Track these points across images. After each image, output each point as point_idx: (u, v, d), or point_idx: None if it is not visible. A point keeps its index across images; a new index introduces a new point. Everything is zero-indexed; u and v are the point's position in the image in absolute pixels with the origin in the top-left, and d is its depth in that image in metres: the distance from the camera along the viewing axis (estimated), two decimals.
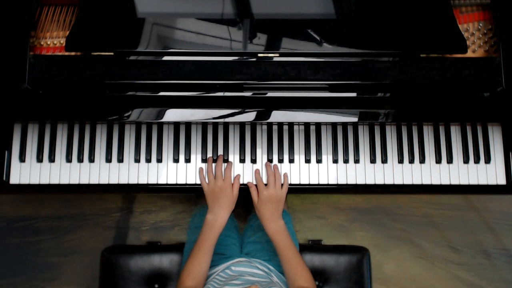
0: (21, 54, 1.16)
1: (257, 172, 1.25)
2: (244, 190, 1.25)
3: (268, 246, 1.32)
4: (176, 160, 1.27)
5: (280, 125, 1.29)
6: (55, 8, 1.25)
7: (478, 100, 1.21)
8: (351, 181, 1.27)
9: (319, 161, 1.27)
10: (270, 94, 1.19)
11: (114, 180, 1.25)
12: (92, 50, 1.16)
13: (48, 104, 1.19)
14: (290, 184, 1.26)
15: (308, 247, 1.47)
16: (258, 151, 1.28)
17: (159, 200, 2.06)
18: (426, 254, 2.02)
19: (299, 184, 1.27)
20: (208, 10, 1.18)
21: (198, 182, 1.26)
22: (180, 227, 2.02)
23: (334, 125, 1.29)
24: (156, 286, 1.41)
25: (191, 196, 2.05)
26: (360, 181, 1.27)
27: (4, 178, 1.24)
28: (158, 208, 2.05)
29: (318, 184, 1.27)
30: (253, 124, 1.29)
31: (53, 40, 1.22)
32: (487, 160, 1.27)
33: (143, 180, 1.26)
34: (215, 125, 1.29)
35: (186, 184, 1.26)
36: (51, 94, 1.19)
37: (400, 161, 1.28)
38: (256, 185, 1.24)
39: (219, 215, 1.20)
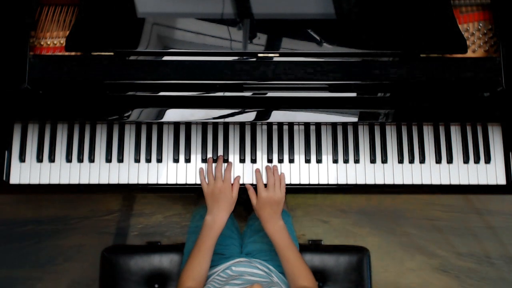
0: (21, 54, 1.16)
1: (257, 171, 1.25)
2: (244, 190, 1.25)
3: (268, 246, 1.32)
4: (176, 160, 1.27)
5: (280, 125, 1.29)
6: (55, 8, 1.25)
7: (478, 100, 1.21)
8: (351, 181, 1.27)
9: (319, 161, 1.27)
10: (270, 94, 1.19)
11: (114, 180, 1.25)
12: (92, 50, 1.16)
13: (48, 104, 1.19)
14: (291, 184, 1.26)
15: (308, 247, 1.47)
16: (258, 151, 1.28)
17: (159, 200, 2.06)
18: (430, 259, 2.01)
19: (299, 184, 1.27)
20: (208, 10, 1.18)
21: (198, 182, 1.26)
22: (180, 227, 2.02)
23: (334, 125, 1.29)
24: (156, 286, 1.41)
25: (191, 196, 2.05)
26: (360, 181, 1.27)
27: (4, 178, 1.24)
28: (158, 208, 2.05)
29: (318, 184, 1.27)
30: (253, 124, 1.29)
31: (53, 40, 1.22)
32: (487, 160, 1.27)
33: (143, 180, 1.26)
34: (215, 125, 1.29)
35: (186, 184, 1.26)
36: (51, 94, 1.19)
37: (400, 161, 1.28)
38: (254, 187, 1.24)
39: (218, 216, 1.20)
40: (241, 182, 1.26)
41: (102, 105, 1.20)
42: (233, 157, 1.27)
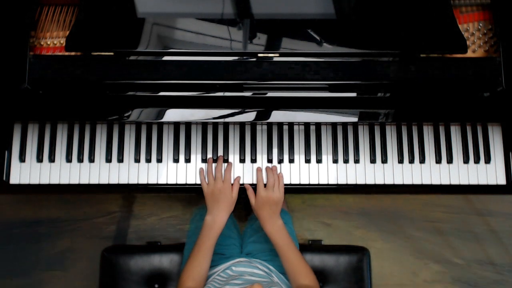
0: (21, 54, 1.16)
1: (259, 170, 1.25)
2: (244, 190, 1.25)
3: (269, 246, 1.32)
4: (176, 160, 1.27)
5: (280, 125, 1.29)
6: (55, 8, 1.25)
7: (478, 100, 1.21)
8: (351, 181, 1.27)
9: (319, 161, 1.27)
10: (270, 94, 1.19)
11: (114, 180, 1.25)
12: (92, 50, 1.16)
13: (48, 104, 1.19)
14: (291, 184, 1.26)
15: (308, 247, 1.47)
16: (258, 151, 1.28)
17: (159, 200, 2.06)
18: (428, 258, 2.01)
19: (299, 184, 1.27)
20: (208, 10, 1.18)
21: (198, 182, 1.26)
22: (180, 227, 2.02)
23: (334, 125, 1.29)
24: (156, 286, 1.41)
25: (191, 196, 2.05)
26: (360, 181, 1.27)
27: (4, 178, 1.24)
28: (158, 208, 2.05)
29: (318, 184, 1.27)
30: (253, 124, 1.29)
31: (53, 40, 1.22)
32: (487, 160, 1.27)
33: (143, 180, 1.26)
34: (215, 125, 1.29)
35: (186, 184, 1.26)
36: (51, 94, 1.19)
37: (400, 161, 1.28)
38: (253, 188, 1.24)
39: (218, 216, 1.20)
40: (241, 182, 1.26)
41: (102, 105, 1.20)
42: (233, 157, 1.27)
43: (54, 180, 1.25)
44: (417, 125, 1.29)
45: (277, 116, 1.20)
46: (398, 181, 1.27)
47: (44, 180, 1.25)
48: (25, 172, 1.25)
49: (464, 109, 1.22)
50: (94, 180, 1.25)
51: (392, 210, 2.06)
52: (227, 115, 1.20)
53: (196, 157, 1.27)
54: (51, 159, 1.25)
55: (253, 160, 1.27)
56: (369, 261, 1.44)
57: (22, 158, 1.24)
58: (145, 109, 1.20)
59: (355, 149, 1.28)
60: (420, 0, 1.19)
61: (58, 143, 1.26)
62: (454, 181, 1.27)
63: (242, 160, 1.27)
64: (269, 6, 1.18)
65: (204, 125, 1.29)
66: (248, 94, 1.19)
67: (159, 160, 1.26)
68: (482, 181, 1.27)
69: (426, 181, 1.27)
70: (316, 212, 2.05)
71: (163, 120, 1.20)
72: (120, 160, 1.26)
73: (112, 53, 1.16)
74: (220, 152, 1.28)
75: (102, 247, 1.45)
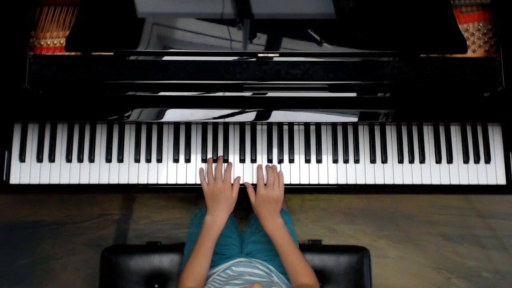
0: (21, 54, 1.17)
1: (259, 168, 1.25)
2: (244, 190, 1.25)
3: (269, 246, 1.32)
4: (176, 160, 1.27)
5: (280, 125, 1.29)
6: (55, 8, 1.25)
7: (478, 100, 1.21)
8: (351, 181, 1.27)
9: (319, 161, 1.27)
10: (270, 94, 1.19)
11: (114, 180, 1.25)
12: (92, 50, 1.16)
13: (48, 104, 1.19)
14: (291, 184, 1.26)
15: (308, 247, 1.47)
16: (258, 151, 1.28)
17: (159, 200, 2.06)
18: (430, 260, 2.01)
19: (299, 184, 1.27)
20: (208, 10, 1.18)
21: (198, 182, 1.26)
22: (180, 227, 2.02)
23: (334, 125, 1.29)
24: (156, 286, 1.41)
25: (191, 196, 2.05)
26: (360, 181, 1.27)
27: (4, 178, 1.24)
28: (158, 208, 2.05)
29: (318, 184, 1.27)
30: (253, 124, 1.29)
31: (53, 40, 1.22)
32: (487, 160, 1.27)
33: (143, 180, 1.26)
34: (215, 125, 1.29)
35: (186, 184, 1.26)
36: (51, 94, 1.19)
37: (400, 161, 1.28)
38: (253, 185, 1.24)
39: (217, 216, 1.20)
40: (241, 182, 1.26)
41: (102, 105, 1.20)
42: (233, 157, 1.27)
43: (54, 180, 1.25)
44: (417, 125, 1.29)
45: (277, 116, 1.20)
46: (398, 181, 1.27)
47: (44, 180, 1.25)
48: (25, 172, 1.25)
49: (464, 109, 1.22)
50: (94, 180, 1.25)
51: (392, 210, 2.06)
52: (227, 115, 1.20)
53: (196, 157, 1.27)
54: (51, 159, 1.25)
55: (253, 160, 1.27)
56: (369, 261, 1.44)
57: (22, 158, 1.24)
58: (145, 109, 1.20)
59: (355, 149, 1.28)
60: (420, 0, 1.19)
61: (58, 143, 1.26)
62: (454, 181, 1.27)
63: (242, 160, 1.27)
64: (269, 6, 1.18)
65: (204, 125, 1.29)
66: (248, 94, 1.19)
67: (159, 160, 1.26)
68: (482, 181, 1.27)
69: (426, 181, 1.27)
70: (316, 212, 2.05)
71: (163, 120, 1.20)
72: (120, 160, 1.26)
73: (112, 53, 1.16)
74: (220, 152, 1.28)
75: (102, 247, 1.45)
